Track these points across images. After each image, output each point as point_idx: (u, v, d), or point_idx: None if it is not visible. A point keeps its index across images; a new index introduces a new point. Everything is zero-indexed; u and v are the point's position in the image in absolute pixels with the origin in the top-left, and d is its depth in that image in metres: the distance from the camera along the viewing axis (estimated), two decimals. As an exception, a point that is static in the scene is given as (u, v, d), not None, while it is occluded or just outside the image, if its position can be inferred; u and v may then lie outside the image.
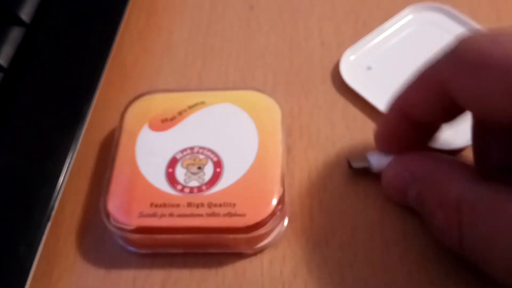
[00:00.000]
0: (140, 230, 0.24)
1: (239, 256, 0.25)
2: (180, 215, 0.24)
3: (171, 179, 0.25)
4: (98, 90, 0.29)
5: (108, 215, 0.24)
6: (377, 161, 0.26)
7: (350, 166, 0.26)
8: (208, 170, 0.25)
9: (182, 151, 0.26)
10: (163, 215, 0.24)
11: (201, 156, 0.26)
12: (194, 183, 0.25)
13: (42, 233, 0.24)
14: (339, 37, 0.32)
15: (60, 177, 0.26)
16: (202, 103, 0.28)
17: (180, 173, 0.25)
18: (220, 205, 0.24)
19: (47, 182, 0.26)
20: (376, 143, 0.26)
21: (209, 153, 0.26)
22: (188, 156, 0.26)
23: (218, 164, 0.25)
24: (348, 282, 0.24)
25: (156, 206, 0.24)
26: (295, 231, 0.25)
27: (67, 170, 0.26)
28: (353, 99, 0.30)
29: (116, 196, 0.25)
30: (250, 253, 0.25)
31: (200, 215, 0.24)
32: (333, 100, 0.30)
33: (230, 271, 0.25)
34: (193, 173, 0.25)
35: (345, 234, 0.25)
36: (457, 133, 0.26)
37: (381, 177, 0.25)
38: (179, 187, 0.25)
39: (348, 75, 0.30)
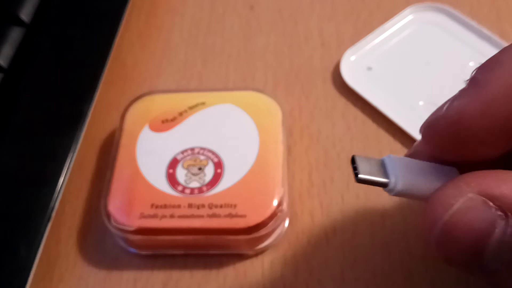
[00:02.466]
0: (141, 231, 0.24)
1: (240, 257, 0.25)
2: (181, 216, 0.24)
3: (172, 180, 0.25)
4: (98, 90, 0.29)
5: (108, 216, 0.24)
6: (413, 178, 0.17)
7: (355, 175, 0.17)
8: (209, 171, 0.25)
9: (182, 152, 0.26)
10: (163, 216, 0.24)
11: (202, 157, 0.26)
12: (194, 184, 0.25)
13: (43, 234, 0.24)
14: (339, 38, 0.32)
15: (61, 178, 0.26)
16: (203, 103, 0.28)
17: (180, 174, 0.25)
18: (221, 206, 0.24)
19: (47, 182, 0.26)
20: (437, 135, 0.17)
21: (209, 154, 0.26)
22: (188, 157, 0.26)
23: (218, 165, 0.25)
24: (349, 283, 0.24)
25: (156, 207, 0.24)
26: (296, 232, 0.25)
27: (67, 170, 0.26)
28: (354, 99, 0.29)
29: (117, 197, 0.25)
30: (251, 254, 0.25)
31: (201, 216, 0.24)
32: (334, 101, 0.30)
33: (231, 272, 0.25)
34: (193, 174, 0.25)
35: (346, 235, 0.25)
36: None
37: (425, 213, 0.16)
38: (179, 188, 0.25)
39: (349, 76, 0.30)
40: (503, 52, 0.16)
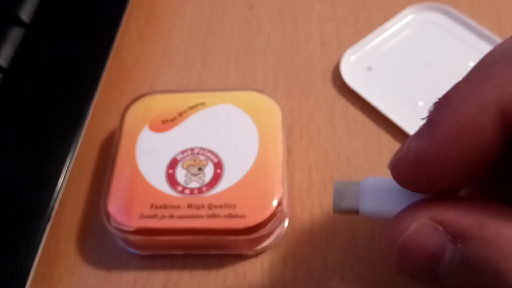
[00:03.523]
0: (141, 231, 0.24)
1: (240, 257, 0.25)
2: (180, 217, 0.24)
3: (172, 180, 0.25)
4: (98, 90, 0.29)
5: (108, 216, 0.24)
6: (384, 203, 0.18)
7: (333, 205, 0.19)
8: (209, 171, 0.25)
9: (182, 152, 0.26)
10: (163, 217, 0.24)
11: (202, 157, 0.26)
12: (194, 184, 0.25)
13: (42, 235, 0.24)
14: (339, 38, 0.32)
15: (60, 178, 0.26)
16: (203, 104, 0.28)
17: (180, 174, 0.25)
18: (220, 207, 0.24)
19: (47, 183, 0.26)
20: (402, 174, 0.17)
21: (209, 154, 0.26)
22: (188, 157, 0.26)
23: (218, 165, 0.25)
24: (349, 283, 0.24)
25: (156, 207, 0.24)
26: (295, 232, 0.25)
27: (67, 171, 0.26)
28: (354, 99, 0.29)
29: (117, 197, 0.25)
30: (250, 255, 0.25)
31: (201, 217, 0.24)
32: (334, 101, 0.30)
33: (230, 273, 0.25)
34: (193, 174, 0.25)
35: (346, 235, 0.25)
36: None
37: (386, 235, 0.17)
38: (179, 188, 0.25)
39: (349, 76, 0.30)
40: (454, 90, 0.16)
